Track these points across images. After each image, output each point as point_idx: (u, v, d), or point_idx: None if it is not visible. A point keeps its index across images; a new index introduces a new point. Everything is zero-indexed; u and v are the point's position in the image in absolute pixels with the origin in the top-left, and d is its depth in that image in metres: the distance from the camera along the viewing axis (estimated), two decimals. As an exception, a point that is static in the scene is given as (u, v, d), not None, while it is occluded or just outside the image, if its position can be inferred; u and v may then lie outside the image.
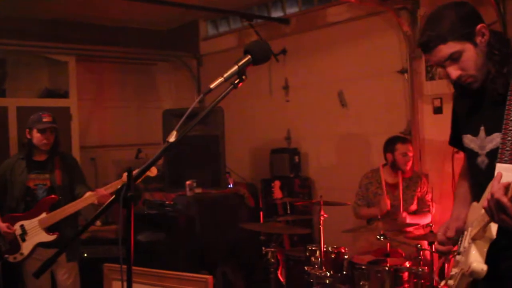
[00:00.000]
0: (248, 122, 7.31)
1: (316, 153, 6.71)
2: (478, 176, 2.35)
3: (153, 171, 4.47)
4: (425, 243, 4.45)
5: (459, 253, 2.32)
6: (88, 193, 4.51)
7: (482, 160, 2.32)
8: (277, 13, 7.21)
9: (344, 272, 4.49)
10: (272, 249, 4.83)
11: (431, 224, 4.57)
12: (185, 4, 6.53)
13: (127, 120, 7.85)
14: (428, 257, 4.38)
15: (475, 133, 2.33)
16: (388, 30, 5.80)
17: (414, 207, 5.08)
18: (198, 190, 5.87)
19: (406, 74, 5.68)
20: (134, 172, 2.02)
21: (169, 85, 8.31)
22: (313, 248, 4.59)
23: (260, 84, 7.14)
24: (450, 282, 2.31)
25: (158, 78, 8.26)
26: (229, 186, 6.37)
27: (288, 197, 5.83)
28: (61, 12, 6.76)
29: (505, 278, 2.24)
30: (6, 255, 4.47)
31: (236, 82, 2.08)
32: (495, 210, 1.96)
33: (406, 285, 4.24)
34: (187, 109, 2.09)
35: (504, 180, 1.98)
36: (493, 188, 1.97)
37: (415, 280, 4.24)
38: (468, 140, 2.39)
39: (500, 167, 2.11)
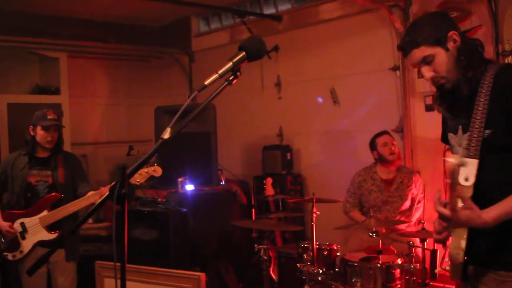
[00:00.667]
0: (241, 119, 7.31)
1: (308, 150, 6.71)
2: None
3: (157, 171, 4.42)
4: (417, 240, 4.46)
5: None
6: (90, 192, 4.47)
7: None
8: (269, 10, 7.20)
9: (337, 269, 4.48)
10: (264, 246, 4.82)
11: (423, 222, 4.58)
12: (177, 0, 6.51)
13: (118, 117, 7.82)
14: (420, 254, 4.39)
15: (455, 131, 2.51)
16: (381, 27, 5.80)
17: (408, 203, 5.10)
18: (190, 187, 5.86)
19: (398, 71, 5.69)
20: (128, 170, 2.00)
21: (161, 81, 8.29)
22: (305, 245, 4.58)
23: (252, 81, 7.14)
24: (447, 268, 2.50)
25: (150, 74, 8.23)
26: (222, 183, 6.35)
27: (280, 194, 5.83)
28: (53, 7, 6.72)
29: (484, 260, 2.39)
30: (5, 253, 4.42)
31: (230, 78, 2.08)
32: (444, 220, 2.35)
33: (398, 282, 4.25)
34: (179, 106, 2.08)
35: (465, 173, 2.29)
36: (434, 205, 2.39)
37: (407, 277, 4.24)
38: (450, 137, 2.57)
39: (470, 161, 2.33)
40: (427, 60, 2.41)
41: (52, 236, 4.42)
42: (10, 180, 4.54)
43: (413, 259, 4.28)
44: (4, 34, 6.53)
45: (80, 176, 4.73)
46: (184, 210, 5.23)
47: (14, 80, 7.15)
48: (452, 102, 2.48)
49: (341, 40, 6.26)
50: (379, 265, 4.22)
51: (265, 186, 5.64)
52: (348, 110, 6.22)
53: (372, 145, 5.23)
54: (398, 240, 4.56)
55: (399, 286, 4.24)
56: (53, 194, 4.48)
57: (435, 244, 4.12)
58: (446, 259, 2.50)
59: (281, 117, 6.92)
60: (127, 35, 7.72)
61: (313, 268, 4.41)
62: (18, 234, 4.40)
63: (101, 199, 1.98)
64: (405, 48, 2.47)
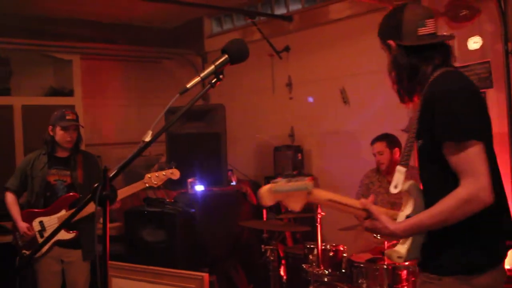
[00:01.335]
0: (252, 120, 7.32)
1: (319, 150, 6.70)
2: None
3: (175, 174, 4.46)
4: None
5: None
6: None
7: None
8: (280, 10, 7.21)
9: (343, 270, 4.47)
10: (271, 247, 4.82)
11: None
12: (190, 2, 6.55)
13: (130, 118, 7.87)
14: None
15: None
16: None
17: None
18: (200, 188, 5.88)
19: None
20: (112, 172, 2.02)
21: (173, 82, 8.32)
22: (311, 246, 4.57)
23: (263, 81, 7.15)
24: None
25: (162, 75, 8.27)
26: (232, 183, 6.37)
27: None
28: (65, 10, 6.80)
29: (420, 263, 2.46)
30: (24, 251, 4.47)
31: (213, 81, 2.10)
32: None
33: (405, 284, 4.21)
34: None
35: (396, 180, 2.42)
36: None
37: (413, 279, 4.20)
38: None
39: (398, 169, 2.44)
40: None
41: (70, 235, 4.47)
42: (30, 179, 4.60)
43: (419, 260, 4.24)
44: (18, 37, 6.63)
45: (97, 176, 4.76)
46: (192, 210, 5.26)
47: (29, 82, 7.25)
48: None
49: (351, 39, 6.24)
50: (385, 267, 4.19)
51: (276, 187, 5.63)
52: (358, 110, 6.19)
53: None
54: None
55: (405, 287, 4.21)
56: (71, 194, 4.53)
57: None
58: None
59: (292, 118, 6.92)
60: (139, 36, 7.78)
61: (318, 269, 4.40)
62: (37, 233, 4.46)
63: (84, 201, 2.01)
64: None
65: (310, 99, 6.50)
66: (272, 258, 4.82)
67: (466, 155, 2.16)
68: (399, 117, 5.71)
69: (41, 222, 4.48)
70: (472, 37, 5.14)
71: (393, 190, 2.41)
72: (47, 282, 4.56)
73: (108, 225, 1.97)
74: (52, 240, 4.43)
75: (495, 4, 4.93)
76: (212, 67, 2.08)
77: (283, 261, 5.04)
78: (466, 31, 5.19)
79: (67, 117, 4.57)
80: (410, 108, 2.60)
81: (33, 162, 4.62)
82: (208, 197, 5.92)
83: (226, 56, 2.10)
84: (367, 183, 5.22)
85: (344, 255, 4.53)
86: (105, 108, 7.87)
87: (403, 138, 5.33)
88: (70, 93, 7.19)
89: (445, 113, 2.22)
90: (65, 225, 2.18)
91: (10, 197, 4.62)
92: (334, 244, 4.56)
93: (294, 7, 7.05)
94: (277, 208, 5.85)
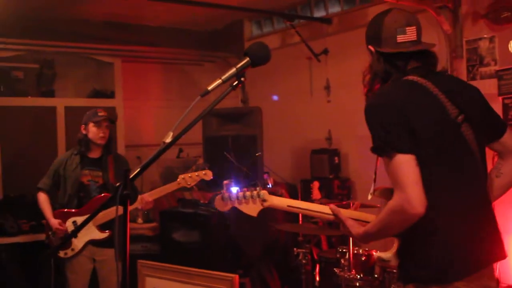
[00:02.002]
0: (289, 122, 7.31)
1: (356, 154, 6.64)
2: None
3: (208, 174, 4.53)
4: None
5: None
6: (141, 196, 4.59)
7: None
8: (319, 13, 7.18)
9: (375, 275, 4.42)
10: (304, 250, 4.81)
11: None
12: (231, 6, 6.60)
13: (170, 120, 7.94)
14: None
15: None
16: (428, 29, 5.65)
17: None
18: (235, 190, 5.90)
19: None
20: (133, 173, 2.06)
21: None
22: (343, 250, 4.55)
23: (301, 84, 7.14)
24: None
25: (203, 78, 8.35)
26: (268, 186, 6.38)
27: (326, 198, 5.80)
28: (107, 14, 6.94)
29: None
30: (57, 250, 4.52)
31: (234, 84, 2.12)
32: None
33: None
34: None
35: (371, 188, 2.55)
36: None
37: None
38: None
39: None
40: None
41: (103, 235, 4.54)
42: (62, 180, 4.68)
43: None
44: (61, 40, 6.80)
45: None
46: (226, 212, 5.29)
47: (73, 84, 7.43)
48: None
49: (389, 42, 6.16)
50: (418, 272, 4.13)
51: (312, 190, 5.63)
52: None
53: None
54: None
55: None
56: (105, 194, 4.59)
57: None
58: None
59: (330, 121, 6.88)
60: (180, 39, 7.87)
61: (349, 274, 4.37)
62: (70, 233, 4.52)
63: (106, 200, 2.05)
64: None
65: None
66: (304, 261, 4.81)
67: (392, 168, 2.21)
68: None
69: (74, 222, 4.55)
70: (513, 40, 5.03)
71: (369, 197, 2.50)
72: (78, 281, 4.63)
73: (129, 224, 1.99)
74: (86, 240, 4.53)
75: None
76: (234, 69, 2.11)
77: (316, 265, 5.02)
78: (507, 34, 5.08)
79: (99, 113, 4.67)
80: None
81: (66, 162, 4.70)
82: (244, 199, 5.92)
83: (248, 59, 2.13)
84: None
85: (377, 260, 4.49)
86: (145, 110, 7.99)
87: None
88: (111, 95, 7.33)
89: (370, 128, 2.33)
90: (87, 222, 2.22)
91: (42, 197, 4.69)
92: (366, 249, 4.53)
93: (334, 9, 7.01)
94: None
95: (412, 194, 2.15)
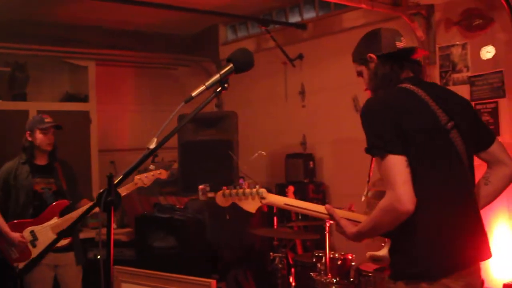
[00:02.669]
0: (264, 127, 7.34)
1: (331, 159, 6.70)
2: None
3: (163, 174, 4.58)
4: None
5: None
6: (84, 200, 4.63)
7: None
8: (294, 18, 7.23)
9: (351, 279, 4.47)
10: (280, 254, 4.83)
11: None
12: (206, 10, 6.60)
13: (144, 124, 7.92)
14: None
15: None
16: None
17: None
18: (211, 195, 5.90)
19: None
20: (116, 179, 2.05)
21: (187, 89, 8.36)
22: (319, 254, 4.58)
23: (276, 89, 7.17)
24: None
25: (177, 82, 8.32)
26: (244, 190, 6.37)
27: (301, 202, 5.82)
28: (81, 17, 6.88)
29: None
30: (16, 264, 4.42)
31: (218, 90, 2.13)
32: None
33: (413, 293, 4.20)
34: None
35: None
36: None
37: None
38: None
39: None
40: (360, 74, 2.74)
41: (64, 242, 4.45)
42: (14, 190, 4.57)
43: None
44: (35, 43, 6.71)
45: (76, 182, 4.86)
46: (202, 217, 5.29)
47: (46, 88, 7.31)
48: None
49: (364, 48, 6.23)
50: (393, 276, 4.18)
51: (286, 194, 5.64)
52: (370, 119, 6.17)
53: None
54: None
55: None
56: (62, 201, 4.54)
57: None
58: None
59: (305, 125, 6.92)
60: (155, 43, 7.84)
61: (326, 278, 4.40)
62: (29, 243, 4.41)
63: (88, 205, 2.04)
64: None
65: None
66: (280, 265, 4.83)
67: (384, 168, 2.35)
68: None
69: (32, 232, 4.43)
70: (485, 47, 5.14)
71: (362, 198, 2.71)
72: None
73: (113, 230, 1.98)
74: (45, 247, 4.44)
75: (508, 13, 4.91)
76: (217, 76, 2.12)
77: (292, 269, 5.04)
78: (479, 41, 5.19)
79: (46, 120, 4.62)
80: None
81: (15, 172, 4.59)
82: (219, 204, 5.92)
83: (231, 65, 2.14)
84: (374, 191, 5.19)
85: (353, 264, 4.54)
86: (119, 114, 7.92)
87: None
88: (85, 99, 7.26)
89: (365, 130, 2.48)
90: (68, 231, 2.21)
91: None
92: (342, 253, 4.57)
93: (308, 15, 7.06)
94: (288, 216, 5.86)
95: (402, 192, 2.29)
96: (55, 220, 4.45)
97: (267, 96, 6.96)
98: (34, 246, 4.43)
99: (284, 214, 5.99)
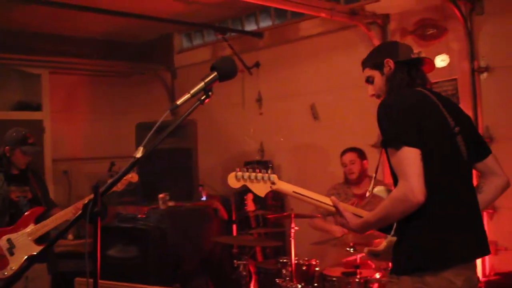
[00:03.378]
0: (221, 135, 7.34)
1: (289, 165, 6.75)
2: None
3: (134, 177, 4.54)
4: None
5: None
6: (56, 209, 4.58)
7: None
8: (250, 27, 7.28)
9: (315, 284, 4.51)
10: (244, 262, 4.84)
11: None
12: (160, 18, 6.57)
13: (100, 133, 7.81)
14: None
15: None
16: (360, 44, 5.88)
17: None
18: (171, 203, 5.87)
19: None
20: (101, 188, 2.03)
21: (143, 98, 8.30)
22: (284, 261, 4.61)
23: (233, 96, 7.18)
24: None
25: (132, 90, 8.25)
26: (202, 199, 6.37)
27: (260, 209, 5.86)
28: (34, 24, 6.74)
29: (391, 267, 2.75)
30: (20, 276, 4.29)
31: (202, 98, 2.13)
32: None
33: (377, 296, 4.29)
34: (161, 122, 2.15)
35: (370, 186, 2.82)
36: None
37: (385, 291, 4.28)
38: None
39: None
40: (369, 80, 2.83)
41: (39, 248, 4.38)
42: None
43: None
44: (-15, 51, 6.55)
45: (47, 190, 4.84)
46: (163, 226, 5.25)
47: (-5, 96, 7.14)
48: None
49: (321, 56, 6.34)
50: (357, 280, 4.26)
51: (246, 202, 5.66)
52: (328, 125, 6.28)
53: (340, 163, 5.26)
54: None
55: (377, 300, 4.28)
56: (37, 208, 4.50)
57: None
58: None
59: (262, 133, 6.96)
60: (109, 51, 7.74)
61: (291, 284, 4.43)
62: (6, 251, 4.35)
63: (75, 216, 2.01)
64: (362, 66, 2.90)
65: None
66: (245, 273, 4.83)
67: (398, 160, 2.46)
68: (368, 132, 5.82)
69: (9, 240, 4.37)
70: (439, 55, 5.29)
71: (367, 194, 2.77)
72: None
73: (99, 241, 1.95)
74: (25, 256, 4.35)
75: (462, 23, 5.10)
76: (202, 84, 2.12)
77: (255, 277, 5.05)
78: (433, 49, 5.34)
79: (29, 141, 4.58)
80: None
81: None
82: (179, 213, 5.91)
83: (215, 73, 2.15)
84: (333, 193, 5.27)
85: (317, 269, 4.58)
86: (74, 123, 7.79)
87: (372, 153, 5.44)
88: (38, 108, 7.10)
89: (381, 124, 2.56)
90: (61, 236, 2.17)
91: None
92: (306, 259, 4.61)
93: (265, 23, 7.13)
94: (248, 223, 5.88)
95: (416, 183, 2.39)
96: (31, 227, 4.41)
97: (224, 104, 6.96)
98: (11, 254, 4.36)
99: (244, 221, 6.00)
